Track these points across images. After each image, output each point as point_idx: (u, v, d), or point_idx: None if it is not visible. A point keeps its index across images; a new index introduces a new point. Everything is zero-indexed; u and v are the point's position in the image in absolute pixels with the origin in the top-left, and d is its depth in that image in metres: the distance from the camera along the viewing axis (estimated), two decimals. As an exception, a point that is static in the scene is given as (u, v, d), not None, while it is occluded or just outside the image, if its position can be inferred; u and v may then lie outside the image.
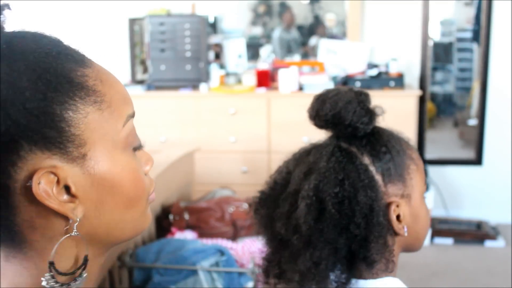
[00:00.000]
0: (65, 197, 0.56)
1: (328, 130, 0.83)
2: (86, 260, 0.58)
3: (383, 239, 0.78)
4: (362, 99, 0.80)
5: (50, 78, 0.55)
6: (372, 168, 0.79)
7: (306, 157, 0.82)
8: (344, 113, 0.79)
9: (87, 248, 0.58)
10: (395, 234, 0.81)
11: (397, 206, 0.80)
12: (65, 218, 0.56)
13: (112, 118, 0.59)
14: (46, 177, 0.54)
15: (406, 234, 0.80)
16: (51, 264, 0.56)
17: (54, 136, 0.54)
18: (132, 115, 0.63)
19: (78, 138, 0.56)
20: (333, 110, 0.79)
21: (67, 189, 0.56)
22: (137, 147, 0.62)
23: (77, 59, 0.59)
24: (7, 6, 0.59)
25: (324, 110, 0.80)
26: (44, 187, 0.54)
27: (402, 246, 0.84)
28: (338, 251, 0.77)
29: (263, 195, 0.86)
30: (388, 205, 0.80)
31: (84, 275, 0.58)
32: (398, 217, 0.81)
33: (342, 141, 0.81)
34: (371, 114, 0.80)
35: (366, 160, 0.79)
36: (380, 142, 0.81)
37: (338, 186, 0.77)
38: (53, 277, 0.56)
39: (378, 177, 0.79)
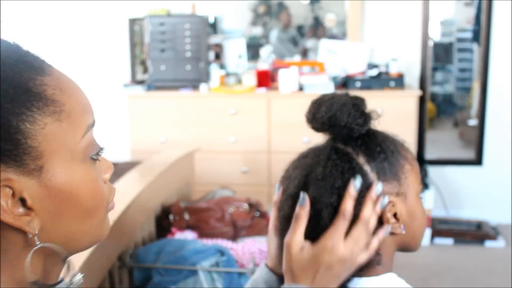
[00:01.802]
0: (21, 210, 0.54)
1: (325, 133, 0.86)
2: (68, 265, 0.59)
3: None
4: (357, 102, 0.84)
5: (6, 88, 0.53)
6: (367, 168, 0.81)
7: (303, 159, 0.86)
8: (339, 115, 0.82)
9: (62, 255, 0.58)
10: (392, 233, 0.82)
11: (393, 205, 0.82)
12: (23, 231, 0.55)
13: (71, 129, 0.57)
14: (1, 191, 0.53)
15: (403, 232, 0.82)
16: (36, 283, 0.56)
17: (10, 149, 0.53)
18: (92, 125, 0.61)
19: (35, 150, 0.54)
20: (329, 113, 0.82)
21: (22, 201, 0.54)
22: (96, 154, 0.61)
23: (36, 67, 0.57)
24: None
25: (320, 113, 0.83)
26: None
27: (398, 245, 0.86)
28: None
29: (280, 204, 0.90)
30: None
31: (81, 276, 0.59)
32: (395, 215, 0.82)
33: (338, 143, 0.84)
34: (365, 116, 0.84)
35: (361, 159, 0.82)
36: (375, 143, 0.84)
37: (335, 195, 0.80)
38: None
39: (372, 176, 0.81)
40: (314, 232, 0.80)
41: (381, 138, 0.85)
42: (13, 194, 0.54)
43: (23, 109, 0.53)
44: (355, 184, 0.78)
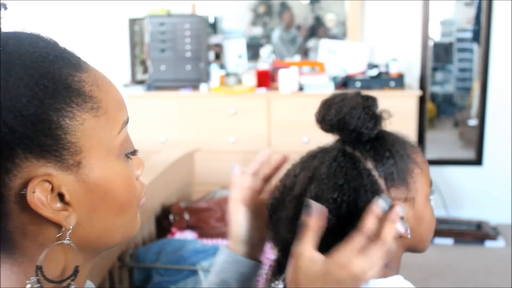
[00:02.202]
0: (59, 205, 0.55)
1: (334, 134, 0.85)
2: (76, 271, 0.58)
3: None
4: (368, 104, 0.81)
5: (47, 83, 0.54)
6: (375, 173, 0.80)
7: (311, 161, 0.84)
8: (349, 119, 0.80)
9: (79, 257, 0.58)
10: (399, 236, 0.81)
11: None
12: (58, 225, 0.56)
13: (108, 125, 0.58)
14: (40, 185, 0.53)
15: (409, 236, 0.81)
16: (39, 268, 0.55)
17: (50, 144, 0.53)
18: (127, 121, 0.62)
19: (74, 145, 0.55)
20: (338, 116, 0.80)
21: (61, 196, 0.55)
22: (131, 153, 0.62)
23: (74, 63, 0.58)
24: (3, 6, 0.58)
25: (329, 115, 0.81)
26: (38, 196, 0.53)
27: (405, 248, 0.86)
28: None
29: (275, 201, 0.87)
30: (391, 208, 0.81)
31: (72, 287, 0.57)
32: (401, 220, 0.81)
33: (347, 146, 0.83)
34: (376, 119, 0.81)
35: (369, 164, 0.80)
36: (384, 147, 0.82)
37: (337, 191, 0.78)
38: (39, 281, 0.55)
39: (381, 181, 0.80)
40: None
41: (390, 142, 0.84)
42: (52, 189, 0.54)
43: (63, 105, 0.54)
44: (381, 204, 0.74)
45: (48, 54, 0.56)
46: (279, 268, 0.87)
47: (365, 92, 0.85)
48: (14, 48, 0.55)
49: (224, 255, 0.93)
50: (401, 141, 0.86)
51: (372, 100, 0.83)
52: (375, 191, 0.79)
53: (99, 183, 0.57)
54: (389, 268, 0.83)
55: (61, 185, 0.55)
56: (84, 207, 0.57)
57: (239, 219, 0.93)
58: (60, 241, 0.56)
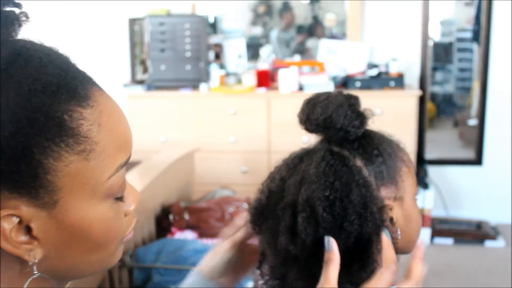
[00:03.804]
0: (24, 238, 0.52)
1: (319, 134, 0.82)
2: None
3: (378, 236, 0.78)
4: (352, 102, 0.80)
5: (38, 118, 0.49)
6: (365, 171, 0.78)
7: (299, 164, 0.81)
8: (335, 117, 0.78)
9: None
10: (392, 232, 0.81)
11: (390, 209, 0.80)
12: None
13: (98, 169, 0.53)
14: (7, 219, 0.50)
15: (399, 237, 0.80)
16: None
17: (27, 181, 0.50)
18: (124, 163, 0.57)
19: (53, 185, 0.51)
20: (324, 114, 0.78)
21: (28, 228, 0.52)
22: (121, 199, 0.58)
23: (81, 94, 0.53)
24: (23, 15, 0.53)
25: (315, 114, 0.79)
26: (2, 229, 0.50)
27: (395, 249, 0.84)
28: (342, 254, 0.76)
29: (260, 205, 0.84)
30: (382, 208, 0.80)
31: None
32: (391, 220, 0.80)
33: (333, 145, 0.81)
34: (362, 118, 0.80)
35: (359, 163, 0.79)
36: (372, 145, 0.81)
37: (328, 188, 0.75)
38: None
39: (371, 180, 0.78)
40: (312, 230, 0.75)
41: (377, 140, 0.82)
42: (20, 222, 0.51)
43: (50, 144, 0.50)
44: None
45: (52, 84, 0.51)
46: (276, 275, 0.83)
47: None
48: (17, 71, 0.50)
49: (196, 278, 0.92)
50: (387, 139, 0.84)
51: (355, 99, 0.81)
52: (367, 187, 0.77)
53: (75, 224, 0.53)
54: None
55: (31, 219, 0.51)
56: (54, 243, 0.53)
57: (229, 255, 0.92)
58: (31, 278, 0.53)
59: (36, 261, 0.53)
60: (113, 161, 0.55)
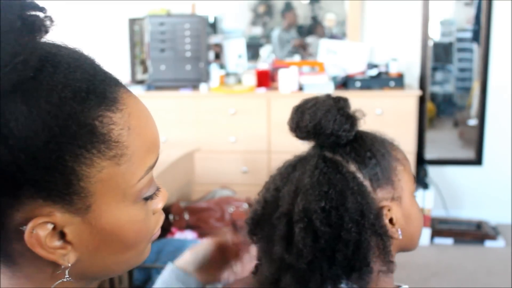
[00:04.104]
0: (58, 243, 0.53)
1: (310, 141, 0.82)
2: None
3: (377, 242, 0.78)
4: (341, 105, 0.79)
5: (70, 125, 0.49)
6: (359, 175, 0.78)
7: (292, 173, 0.81)
8: (325, 123, 0.77)
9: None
10: (390, 237, 0.80)
11: (389, 210, 0.80)
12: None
13: (128, 172, 0.54)
14: (41, 226, 0.51)
15: (400, 237, 0.80)
16: None
17: (60, 189, 0.50)
18: (153, 165, 0.58)
19: (86, 190, 0.52)
20: (313, 121, 0.78)
21: (62, 233, 0.53)
22: (150, 198, 0.58)
23: (110, 99, 0.52)
24: (48, 19, 0.52)
25: (304, 122, 0.78)
26: (37, 235, 0.51)
27: (397, 248, 0.84)
28: (339, 263, 0.76)
29: (256, 215, 0.84)
30: (380, 209, 0.79)
31: None
32: (391, 220, 0.80)
33: (326, 151, 0.80)
34: (352, 120, 0.79)
35: (352, 167, 0.78)
36: (364, 148, 0.80)
37: (323, 199, 0.75)
38: None
39: (366, 183, 0.78)
40: (318, 242, 0.76)
41: (370, 141, 0.81)
42: (54, 227, 0.52)
43: (82, 151, 0.50)
44: None
45: (81, 90, 0.51)
46: (269, 282, 0.83)
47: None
48: (46, 78, 0.50)
49: (173, 272, 0.95)
50: (380, 139, 0.83)
51: (344, 101, 0.80)
52: (362, 193, 0.77)
53: (107, 227, 0.54)
54: (383, 271, 0.81)
55: (65, 225, 0.52)
56: (87, 247, 0.54)
57: (202, 252, 0.96)
58: (60, 280, 0.54)
59: (69, 265, 0.54)
60: (142, 164, 0.55)
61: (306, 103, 0.80)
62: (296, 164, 0.82)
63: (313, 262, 0.76)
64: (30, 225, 0.50)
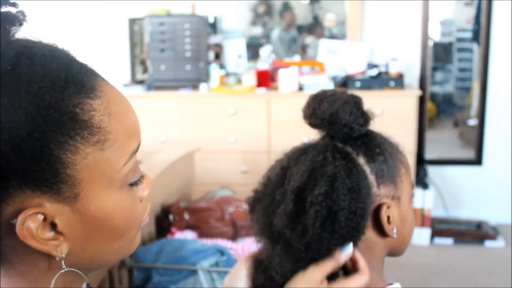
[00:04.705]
0: (50, 234, 0.53)
1: (323, 130, 0.83)
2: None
3: (365, 237, 0.80)
4: (357, 101, 0.82)
5: (52, 114, 0.50)
6: (366, 168, 0.80)
7: (303, 155, 0.82)
8: (342, 113, 0.79)
9: (86, 276, 0.58)
10: (384, 235, 0.81)
11: (388, 207, 0.81)
12: (48, 254, 0.54)
13: (113, 158, 0.55)
14: (32, 217, 0.51)
15: (395, 236, 0.81)
16: None
17: (47, 178, 0.51)
18: (136, 150, 0.58)
19: (73, 178, 0.52)
20: (331, 109, 0.80)
21: (53, 225, 0.53)
22: (135, 183, 0.59)
23: (88, 87, 0.54)
24: (21, 14, 0.53)
25: (321, 109, 0.80)
26: (28, 227, 0.51)
27: (388, 249, 0.85)
28: (330, 249, 0.78)
29: (257, 194, 0.85)
30: (380, 206, 0.80)
31: None
32: (388, 218, 0.81)
33: (336, 141, 0.82)
34: (366, 117, 0.81)
35: (361, 160, 0.80)
36: (374, 144, 0.82)
37: (348, 197, 0.77)
38: None
39: (372, 178, 0.80)
40: (325, 230, 0.77)
41: (379, 140, 0.84)
42: (44, 218, 0.52)
43: (66, 138, 0.51)
44: (348, 248, 0.78)
45: (59, 79, 0.52)
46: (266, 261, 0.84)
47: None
48: (24, 70, 0.50)
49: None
50: (388, 140, 0.86)
51: (360, 99, 0.83)
52: (368, 187, 0.78)
53: (96, 214, 0.55)
54: (375, 270, 0.82)
55: (55, 215, 0.52)
56: (78, 236, 0.55)
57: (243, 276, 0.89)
58: (59, 272, 0.55)
59: (64, 255, 0.54)
60: (126, 149, 0.56)
61: (325, 93, 0.83)
62: (306, 149, 0.83)
63: (311, 245, 0.77)
64: (20, 217, 0.50)
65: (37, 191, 0.51)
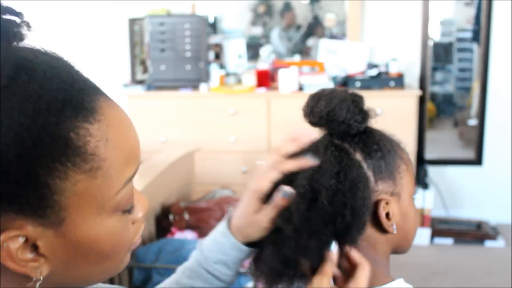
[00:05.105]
0: (30, 255, 0.50)
1: (322, 128, 0.85)
2: None
3: (365, 232, 0.81)
4: (356, 99, 0.82)
5: (44, 138, 0.47)
6: (364, 165, 0.81)
7: (301, 152, 0.84)
8: (339, 110, 0.81)
9: None
10: (384, 231, 0.82)
11: (387, 203, 0.82)
12: None
13: (105, 185, 0.51)
14: (13, 239, 0.48)
15: (395, 231, 0.82)
16: None
17: (33, 203, 0.48)
18: (133, 176, 0.55)
19: (60, 204, 0.49)
20: (328, 107, 0.81)
21: (34, 246, 0.50)
22: (129, 211, 0.56)
23: (87, 109, 0.50)
24: (25, 24, 0.50)
25: (319, 107, 0.82)
26: (8, 248, 0.48)
27: (392, 246, 0.85)
28: (323, 243, 0.79)
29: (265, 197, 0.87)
30: (378, 202, 0.81)
31: None
32: (387, 215, 0.82)
33: (335, 138, 0.83)
34: (364, 114, 0.82)
35: (358, 156, 0.81)
36: (372, 140, 0.83)
37: (334, 179, 0.78)
38: None
39: (369, 174, 0.81)
40: (310, 212, 0.78)
41: (378, 137, 0.84)
42: (26, 240, 0.49)
43: (56, 164, 0.48)
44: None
45: (57, 101, 0.48)
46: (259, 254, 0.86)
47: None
48: (20, 88, 0.47)
49: (227, 240, 0.89)
50: (388, 137, 0.86)
51: (360, 97, 0.83)
52: (365, 182, 0.79)
53: (82, 240, 0.52)
54: (379, 266, 0.83)
55: (37, 238, 0.49)
56: (61, 258, 0.52)
57: (250, 209, 0.85)
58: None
59: (41, 278, 0.51)
60: (121, 176, 0.53)
61: (323, 91, 0.84)
62: (305, 147, 0.85)
63: (299, 230, 0.78)
64: (1, 238, 0.48)
65: (20, 214, 0.48)
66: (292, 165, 0.82)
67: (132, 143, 0.55)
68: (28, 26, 0.50)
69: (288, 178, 0.82)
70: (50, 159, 0.47)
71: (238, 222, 0.87)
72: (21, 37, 0.50)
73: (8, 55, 0.48)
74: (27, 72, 0.48)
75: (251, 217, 0.85)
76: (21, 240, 0.49)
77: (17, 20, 0.49)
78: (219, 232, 0.91)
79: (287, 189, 0.80)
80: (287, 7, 4.05)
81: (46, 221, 0.49)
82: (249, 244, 0.87)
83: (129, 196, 0.55)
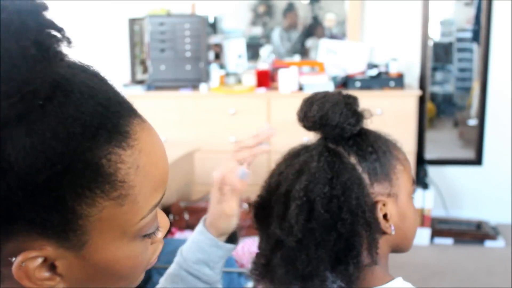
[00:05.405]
0: (47, 274, 0.49)
1: (316, 132, 0.85)
2: None
3: (371, 236, 0.80)
4: (349, 101, 0.82)
5: (75, 164, 0.45)
6: (358, 168, 0.81)
7: (296, 158, 0.84)
8: (331, 115, 0.81)
9: None
10: (383, 233, 0.82)
11: (384, 205, 0.82)
12: None
13: (131, 212, 0.50)
14: (32, 260, 0.48)
15: (393, 232, 0.82)
16: None
17: (57, 226, 0.47)
18: (159, 202, 0.54)
19: (83, 228, 0.48)
20: (321, 112, 0.81)
21: (52, 265, 0.49)
22: (151, 236, 0.55)
23: (121, 133, 0.49)
24: (66, 40, 0.47)
25: (312, 112, 0.82)
26: (26, 269, 0.48)
27: (391, 246, 0.85)
28: (329, 251, 0.79)
29: (260, 199, 0.88)
30: (375, 204, 0.81)
31: None
32: (385, 216, 0.81)
33: (329, 142, 0.83)
34: (358, 116, 0.82)
35: (353, 159, 0.81)
36: (367, 143, 0.83)
37: (327, 185, 0.78)
38: None
39: (364, 176, 0.81)
40: (310, 223, 0.78)
41: (373, 138, 0.84)
42: (45, 260, 0.49)
43: (85, 190, 0.47)
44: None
45: (92, 125, 0.46)
46: (266, 267, 0.85)
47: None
48: (55, 109, 0.45)
49: (205, 237, 0.92)
50: (383, 138, 0.86)
51: (353, 99, 0.83)
52: (360, 185, 0.79)
53: (101, 263, 0.51)
54: (379, 266, 0.83)
55: (56, 259, 0.49)
56: (77, 278, 0.51)
57: (214, 200, 0.93)
58: None
59: None
60: (147, 203, 0.52)
61: (316, 95, 0.84)
62: (300, 151, 0.86)
63: (301, 241, 0.78)
64: (19, 258, 0.47)
65: (43, 235, 0.47)
66: (247, 153, 0.86)
67: (162, 169, 0.54)
68: (69, 42, 0.48)
69: (286, 191, 0.81)
70: (80, 185, 0.46)
71: (210, 217, 0.94)
72: (61, 57, 0.48)
73: (47, 76, 0.45)
74: (64, 93, 0.46)
75: (216, 208, 0.90)
76: (40, 260, 0.48)
77: (58, 35, 0.47)
78: (197, 231, 0.94)
79: (244, 169, 0.81)
80: (290, 8, 4.05)
81: (68, 244, 0.49)
82: (228, 240, 0.91)
83: (153, 222, 0.54)
